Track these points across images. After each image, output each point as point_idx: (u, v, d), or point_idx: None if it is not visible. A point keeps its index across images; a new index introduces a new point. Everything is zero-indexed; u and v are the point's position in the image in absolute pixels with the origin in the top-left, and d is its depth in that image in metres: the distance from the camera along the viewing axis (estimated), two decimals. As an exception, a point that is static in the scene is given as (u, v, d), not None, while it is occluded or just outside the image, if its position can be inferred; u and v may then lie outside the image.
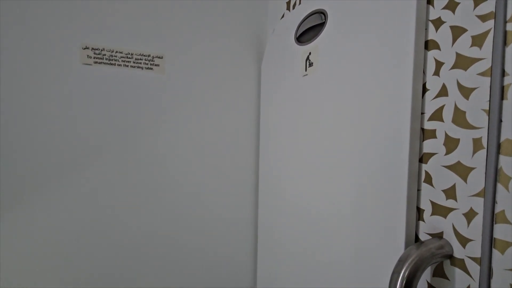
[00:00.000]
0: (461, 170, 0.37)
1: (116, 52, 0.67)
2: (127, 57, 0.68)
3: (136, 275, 0.72)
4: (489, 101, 0.34)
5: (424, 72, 0.41)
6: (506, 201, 0.33)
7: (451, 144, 0.38)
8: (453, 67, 0.38)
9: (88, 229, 0.67)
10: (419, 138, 0.41)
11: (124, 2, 0.67)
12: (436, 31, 0.40)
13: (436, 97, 0.40)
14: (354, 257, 0.49)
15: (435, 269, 0.40)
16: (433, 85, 0.40)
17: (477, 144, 0.35)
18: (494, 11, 0.34)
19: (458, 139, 0.37)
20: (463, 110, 0.37)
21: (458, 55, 0.37)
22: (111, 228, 0.69)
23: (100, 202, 0.68)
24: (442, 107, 0.39)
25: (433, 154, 0.40)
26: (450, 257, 0.38)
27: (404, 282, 0.34)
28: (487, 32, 0.34)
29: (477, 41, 0.35)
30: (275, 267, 0.72)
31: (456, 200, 0.37)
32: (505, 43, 0.33)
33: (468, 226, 0.36)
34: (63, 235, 0.65)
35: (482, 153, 0.35)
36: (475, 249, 0.36)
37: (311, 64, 0.58)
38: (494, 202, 0.33)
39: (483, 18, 0.35)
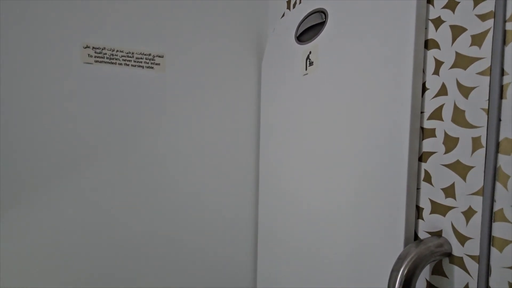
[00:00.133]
0: (460, 168, 0.37)
1: (117, 51, 0.67)
2: (128, 56, 0.68)
3: (136, 275, 0.72)
4: (488, 100, 0.34)
5: (423, 71, 0.41)
6: (505, 199, 0.33)
7: (450, 143, 0.38)
8: (452, 66, 0.38)
9: (88, 229, 0.67)
10: (419, 137, 0.41)
11: (124, 2, 0.68)
12: (436, 30, 0.40)
13: (435, 96, 0.40)
14: (354, 256, 0.49)
15: (434, 267, 0.40)
16: (433, 84, 0.40)
17: (476, 143, 0.35)
18: (493, 10, 0.34)
19: (458, 138, 0.37)
20: (463, 109, 0.37)
21: (457, 54, 0.37)
22: (111, 228, 0.69)
23: (100, 202, 0.68)
24: (441, 106, 0.39)
25: (432, 153, 0.40)
26: (449, 255, 0.38)
27: (403, 280, 0.34)
28: (486, 32, 0.34)
29: (477, 40, 0.35)
30: (275, 267, 0.72)
31: (455, 199, 0.38)
32: (504, 43, 0.33)
33: (467, 224, 0.36)
34: (63, 235, 0.65)
35: (481, 152, 0.35)
36: (474, 247, 0.36)
37: (311, 63, 0.59)
38: (492, 200, 0.34)
39: (483, 17, 0.35)
